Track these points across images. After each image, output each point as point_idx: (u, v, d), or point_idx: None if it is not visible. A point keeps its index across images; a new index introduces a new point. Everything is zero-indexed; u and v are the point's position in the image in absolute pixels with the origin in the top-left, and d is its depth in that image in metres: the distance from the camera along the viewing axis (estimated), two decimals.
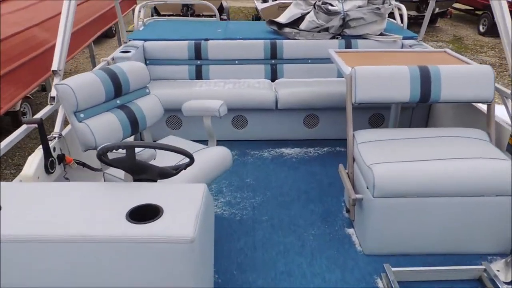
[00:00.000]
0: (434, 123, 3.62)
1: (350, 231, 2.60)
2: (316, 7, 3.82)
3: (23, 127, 2.22)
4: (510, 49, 2.53)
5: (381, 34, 3.93)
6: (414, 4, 9.64)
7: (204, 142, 2.69)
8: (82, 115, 2.17)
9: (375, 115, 3.66)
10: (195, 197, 1.53)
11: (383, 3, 3.83)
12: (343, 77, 3.94)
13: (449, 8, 10.53)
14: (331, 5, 3.84)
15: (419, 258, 2.36)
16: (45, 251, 1.34)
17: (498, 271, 2.20)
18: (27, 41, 4.41)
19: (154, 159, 1.96)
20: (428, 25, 3.92)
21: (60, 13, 4.82)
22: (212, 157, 2.38)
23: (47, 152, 2.17)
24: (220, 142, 2.65)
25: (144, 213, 1.46)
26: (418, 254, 2.38)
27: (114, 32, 9.07)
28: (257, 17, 10.12)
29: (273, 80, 3.92)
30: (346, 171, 2.64)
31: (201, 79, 3.90)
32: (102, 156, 1.69)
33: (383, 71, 2.53)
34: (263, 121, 3.66)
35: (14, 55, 4.08)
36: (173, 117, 3.64)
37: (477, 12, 10.68)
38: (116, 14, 5.35)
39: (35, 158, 2.12)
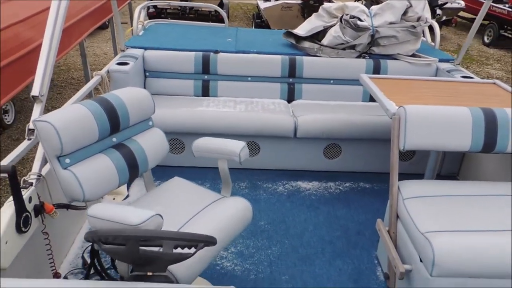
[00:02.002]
0: (471, 170, 3.16)
1: None
2: (343, 21, 3.36)
3: None
4: None
5: (413, 55, 3.49)
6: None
7: (212, 169, 2.20)
8: (67, 160, 1.69)
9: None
10: None
11: (418, 20, 3.38)
12: (369, 101, 3.49)
13: (454, 17, 10.22)
14: (360, 19, 3.38)
15: None
16: None
17: None
18: (10, 39, 3.89)
19: (161, 228, 1.49)
20: (431, 33, 3.52)
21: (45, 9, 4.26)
22: (232, 215, 1.92)
23: (20, 207, 1.68)
24: (245, 200, 2.14)
25: None
26: None
27: (107, 23, 8.49)
28: (258, 16, 9.64)
29: (289, 101, 3.46)
30: (387, 228, 2.19)
31: (208, 96, 3.42)
32: (95, 243, 1.22)
33: (440, 113, 2.08)
34: (278, 149, 3.20)
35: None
36: (175, 140, 3.15)
37: (482, 22, 10.37)
38: (109, 9, 4.79)
39: (4, 217, 1.63)
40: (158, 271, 1.31)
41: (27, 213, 1.73)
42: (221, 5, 9.19)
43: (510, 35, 9.22)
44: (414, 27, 3.33)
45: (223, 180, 2.15)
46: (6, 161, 1.81)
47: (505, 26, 9.26)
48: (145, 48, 3.37)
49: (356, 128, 3.07)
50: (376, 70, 3.38)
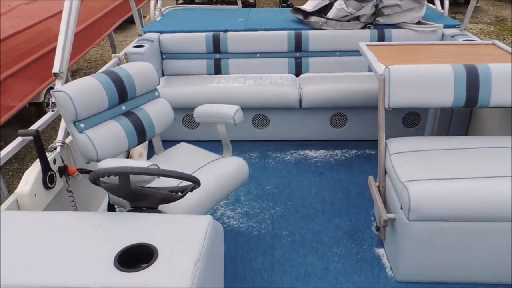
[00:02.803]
0: (478, 128, 3.23)
1: (380, 251, 2.32)
2: None
3: (18, 139, 2.04)
4: None
5: (418, 23, 3.54)
6: None
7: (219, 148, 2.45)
8: (82, 125, 1.97)
9: (410, 114, 3.32)
10: (197, 233, 1.30)
11: None
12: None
13: None
14: None
15: (460, 287, 2.06)
16: None
17: None
18: (42, 34, 4.26)
19: (158, 177, 1.73)
20: (467, 4, 3.49)
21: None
22: (227, 171, 2.14)
23: (45, 166, 1.98)
24: (239, 143, 2.38)
25: (137, 255, 1.25)
26: (457, 283, 2.08)
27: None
28: (285, 1, 9.71)
29: (297, 74, 3.62)
30: (377, 184, 2.34)
31: (220, 74, 3.64)
32: (95, 181, 1.48)
33: (423, 71, 2.19)
34: (286, 121, 3.38)
35: (28, 50, 3.94)
36: (190, 116, 3.41)
37: None
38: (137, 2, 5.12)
39: (32, 173, 1.94)
40: (150, 206, 1.55)
41: (52, 172, 2.03)
42: None
43: None
44: None
45: (223, 143, 2.37)
46: (33, 128, 2.12)
47: None
48: (161, 32, 3.63)
49: (360, 97, 3.20)
50: (381, 39, 3.47)
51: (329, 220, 2.57)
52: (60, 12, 4.28)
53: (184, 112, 3.38)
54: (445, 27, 3.50)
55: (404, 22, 3.51)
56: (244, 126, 3.40)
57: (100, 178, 1.49)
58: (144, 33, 3.68)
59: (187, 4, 8.38)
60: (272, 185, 2.93)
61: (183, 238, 1.29)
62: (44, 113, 4.80)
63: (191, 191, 1.63)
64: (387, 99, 2.22)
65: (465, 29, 3.48)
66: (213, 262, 1.36)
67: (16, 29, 3.87)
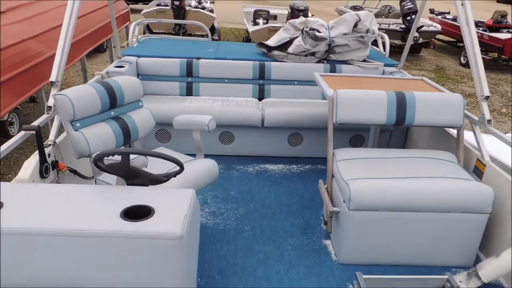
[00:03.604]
0: (411, 145, 3.84)
1: (327, 242, 2.74)
2: (304, 32, 4.05)
3: (21, 133, 2.34)
4: (478, 75, 2.77)
5: (364, 61, 4.17)
6: (399, 34, 10.08)
7: (192, 156, 2.83)
8: (78, 124, 2.30)
9: (356, 136, 3.86)
10: (184, 200, 1.67)
11: (367, 32, 4.08)
12: (326, 99, 4.15)
13: (432, 39, 11.00)
14: (318, 31, 4.07)
15: (390, 268, 2.51)
16: (44, 244, 1.45)
17: (461, 281, 2.36)
18: (22, 52, 4.54)
19: (146, 167, 2.09)
20: (412, 54, 4.14)
21: (54, 27, 4.95)
22: (200, 168, 2.52)
23: (42, 158, 2.29)
24: (207, 156, 2.79)
25: (137, 213, 1.59)
26: (389, 265, 2.53)
27: (105, 47, 9.26)
28: (247, 39, 10.41)
29: (260, 99, 4.11)
30: (326, 186, 2.80)
31: (192, 95, 4.07)
32: (98, 161, 1.82)
33: (363, 95, 2.73)
34: (249, 138, 3.82)
35: (8, 66, 4.19)
36: (163, 130, 3.78)
37: (459, 44, 11.19)
38: (109, 30, 5.47)
39: (31, 163, 2.23)
40: (142, 184, 1.90)
41: (47, 164, 2.33)
42: (212, 29, 10.00)
43: (484, 56, 9.98)
44: (362, 37, 4.02)
45: (196, 147, 2.76)
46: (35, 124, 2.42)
47: (481, 48, 10.08)
48: (139, 56, 4.04)
49: (314, 119, 3.71)
50: (333, 72, 4.05)
51: (285, 218, 2.98)
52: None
53: (158, 127, 3.75)
54: (385, 65, 4.15)
55: (352, 59, 4.12)
56: (212, 142, 3.81)
57: (105, 158, 1.83)
58: (123, 56, 4.07)
59: (149, 33, 8.88)
60: (235, 191, 3.32)
61: (174, 202, 1.66)
62: (7, 132, 4.94)
63: (174, 176, 2.00)
64: (335, 116, 2.72)
65: (401, 68, 4.15)
66: (195, 222, 1.72)
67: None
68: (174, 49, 4.32)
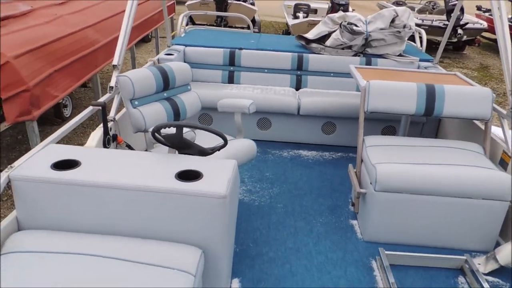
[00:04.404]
0: (442, 137, 3.96)
1: (354, 222, 2.96)
2: (342, 26, 4.23)
3: (90, 108, 2.70)
4: (508, 70, 2.88)
5: (400, 55, 4.30)
6: (442, 30, 9.95)
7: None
8: (136, 103, 2.63)
9: (388, 127, 4.02)
10: (228, 168, 1.95)
11: (404, 27, 4.21)
12: (360, 91, 4.33)
13: (477, 37, 10.76)
14: (356, 25, 4.24)
15: (412, 248, 2.70)
16: (114, 196, 1.77)
17: (479, 264, 2.52)
18: (79, 40, 4.97)
19: (194, 141, 2.39)
20: (456, 52, 4.19)
21: (107, 18, 5.36)
22: (240, 146, 2.80)
23: (106, 130, 2.63)
24: (252, 140, 3.03)
25: (189, 176, 1.88)
26: (412, 245, 2.72)
27: (150, 37, 9.73)
28: (287, 32, 10.61)
29: (297, 89, 4.34)
30: (355, 170, 3.01)
31: (233, 83, 4.35)
32: (156, 132, 2.12)
33: (394, 86, 2.91)
34: (286, 125, 4.07)
35: (69, 52, 4.63)
36: (205, 114, 4.09)
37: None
38: (154, 21, 5.83)
39: (97, 134, 2.58)
40: (191, 154, 2.19)
41: (109, 136, 2.68)
42: (253, 22, 10.26)
43: None
44: (399, 32, 4.15)
45: (237, 128, 3.04)
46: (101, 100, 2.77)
47: None
48: (186, 45, 4.36)
49: (347, 109, 3.91)
50: (368, 65, 4.21)
51: (315, 199, 3.22)
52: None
53: (201, 111, 4.06)
54: (421, 60, 4.26)
55: (388, 54, 4.27)
56: (251, 127, 4.08)
57: (161, 130, 2.14)
58: (172, 45, 4.40)
59: (192, 24, 9.25)
60: (270, 172, 3.58)
61: (219, 169, 1.93)
62: (61, 113, 5.38)
63: (219, 150, 2.29)
64: (366, 105, 2.92)
65: (437, 63, 4.25)
66: (236, 188, 2.00)
67: (61, 35, 4.58)
68: (219, 40, 4.61)
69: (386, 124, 4.02)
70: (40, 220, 1.83)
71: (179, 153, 2.20)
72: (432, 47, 10.05)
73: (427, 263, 2.52)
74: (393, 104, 2.89)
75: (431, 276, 2.49)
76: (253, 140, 4.11)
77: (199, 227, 1.79)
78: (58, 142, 2.25)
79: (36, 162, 1.87)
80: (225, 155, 2.65)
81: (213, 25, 9.63)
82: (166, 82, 2.78)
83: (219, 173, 1.89)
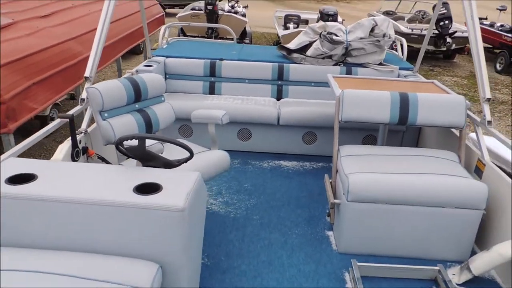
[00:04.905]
0: (422, 146, 3.94)
1: (330, 233, 2.91)
2: (322, 36, 4.23)
3: (57, 120, 2.66)
4: (481, 75, 2.87)
5: (380, 64, 4.30)
6: (432, 39, 9.99)
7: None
8: (106, 114, 2.60)
9: (368, 136, 4.00)
10: (189, 180, 1.91)
11: (383, 36, 4.21)
12: None
13: (466, 45, 10.82)
14: (336, 35, 4.25)
15: (387, 259, 2.65)
16: (67, 210, 1.72)
17: (454, 274, 2.48)
18: (63, 52, 4.96)
19: (162, 153, 2.35)
20: (445, 60, 4.19)
21: (91, 30, 5.36)
22: (212, 158, 2.76)
23: (74, 143, 2.59)
24: (225, 151, 2.99)
25: (148, 189, 1.84)
26: (387, 256, 2.67)
27: (141, 49, 9.74)
28: (278, 43, 10.63)
29: (278, 99, 4.32)
30: (330, 180, 2.98)
31: (214, 94, 4.33)
32: (119, 144, 2.09)
33: (368, 95, 2.89)
34: (266, 135, 4.04)
35: (50, 64, 4.61)
36: (185, 126, 4.06)
37: (495, 50, 10.95)
38: (142, 34, 5.83)
39: (65, 147, 2.54)
40: (156, 166, 2.15)
41: (78, 149, 2.64)
42: (244, 33, 10.30)
43: None
44: (378, 41, 4.15)
45: (211, 140, 3.01)
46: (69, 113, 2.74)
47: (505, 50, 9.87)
48: (167, 56, 4.35)
49: (328, 119, 3.88)
50: (348, 75, 4.20)
51: (293, 210, 3.17)
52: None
53: (181, 123, 4.03)
54: (401, 68, 4.26)
55: (368, 63, 4.26)
56: (231, 138, 4.05)
57: (124, 142, 2.10)
58: (153, 56, 4.39)
59: (183, 36, 9.27)
60: (249, 183, 3.54)
61: (180, 182, 1.89)
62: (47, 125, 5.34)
63: (185, 162, 2.25)
64: (341, 114, 2.89)
65: (416, 71, 4.25)
66: (199, 200, 1.95)
67: (41, 47, 4.56)
68: (200, 51, 4.60)
69: (367, 133, 4.00)
70: None
71: (144, 165, 2.17)
72: (425, 55, 10.09)
73: (400, 275, 2.48)
74: (367, 113, 2.87)
75: (405, 287, 2.44)
76: (233, 151, 4.08)
77: (157, 241, 1.75)
78: (26, 155, 2.20)
79: None
80: (195, 167, 2.61)
81: (204, 37, 9.66)
82: (137, 94, 2.76)
83: (180, 185, 1.85)
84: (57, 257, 1.69)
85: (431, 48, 10.00)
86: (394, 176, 2.54)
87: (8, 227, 1.76)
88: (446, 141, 3.43)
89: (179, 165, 2.22)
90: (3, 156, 2.11)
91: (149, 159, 2.13)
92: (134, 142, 2.17)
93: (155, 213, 1.70)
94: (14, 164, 1.94)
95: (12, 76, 3.93)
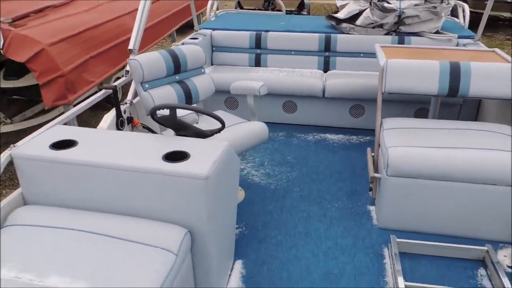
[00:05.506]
0: (482, 120, 3.66)
1: (371, 208, 2.84)
2: (372, 4, 4.02)
3: (102, 91, 2.79)
4: None
5: (437, 32, 4.02)
6: (509, 5, 9.10)
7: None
8: (147, 85, 2.68)
9: (421, 109, 3.79)
10: (217, 149, 1.93)
11: (441, 2, 3.91)
12: None
13: None
14: (388, 2, 4.01)
15: (429, 237, 2.54)
16: (102, 175, 1.83)
17: (505, 256, 2.33)
18: (118, 27, 5.15)
19: (197, 123, 2.39)
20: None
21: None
22: (249, 129, 2.77)
23: (118, 113, 2.72)
24: (270, 124, 3.00)
25: (177, 157, 1.90)
26: (429, 233, 2.56)
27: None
28: (336, 13, 10.25)
29: (325, 71, 4.20)
30: (373, 154, 2.88)
31: (260, 66, 4.31)
32: (153, 114, 2.16)
33: (414, 64, 2.72)
34: (311, 108, 3.97)
35: (106, 39, 4.81)
36: (231, 98, 4.09)
37: None
38: (198, 7, 5.89)
39: (109, 116, 2.67)
40: (188, 136, 2.20)
41: (122, 119, 2.76)
42: (302, 4, 10.04)
43: None
44: (435, 7, 3.87)
45: (250, 111, 3.01)
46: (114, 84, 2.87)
47: None
48: (213, 29, 4.37)
49: (377, 91, 3.72)
50: (400, 44, 3.97)
51: (334, 184, 3.13)
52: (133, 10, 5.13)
53: (227, 95, 4.07)
54: (461, 37, 3.95)
55: (423, 31, 4.00)
56: (276, 111, 4.03)
57: (157, 111, 2.17)
58: (200, 29, 4.43)
59: (240, 9, 9.22)
60: (292, 156, 3.52)
61: (208, 150, 1.92)
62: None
63: (217, 132, 2.27)
64: (384, 85, 2.76)
65: (478, 40, 3.92)
66: (228, 168, 1.98)
67: (98, 22, 4.77)
68: (247, 23, 4.57)
69: (420, 106, 3.79)
70: (40, 196, 1.94)
71: (177, 134, 2.22)
72: (498, 23, 9.27)
73: (443, 253, 2.37)
74: (413, 84, 2.71)
75: (447, 266, 2.34)
76: (278, 123, 4.06)
77: (184, 207, 1.81)
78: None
79: (38, 142, 1.97)
80: (230, 137, 2.64)
81: (261, 9, 9.55)
82: (177, 65, 2.81)
83: (207, 155, 1.88)
84: (93, 218, 1.81)
85: (508, 14, 9.13)
86: (438, 151, 2.40)
87: (50, 189, 1.91)
88: (507, 116, 3.16)
89: (211, 135, 2.25)
90: (50, 123, 2.26)
91: (181, 129, 2.18)
92: (162, 112, 2.23)
93: (181, 180, 1.75)
94: (59, 131, 2.08)
95: (71, 50, 4.16)
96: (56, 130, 2.10)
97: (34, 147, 1.92)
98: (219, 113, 3.12)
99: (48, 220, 1.79)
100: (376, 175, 2.64)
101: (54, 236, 1.70)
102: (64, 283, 1.48)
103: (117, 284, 1.48)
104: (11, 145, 1.95)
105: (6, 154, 1.91)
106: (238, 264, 2.37)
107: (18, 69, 4.33)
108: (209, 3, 4.80)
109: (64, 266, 1.55)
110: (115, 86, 2.72)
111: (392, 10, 3.96)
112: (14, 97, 4.83)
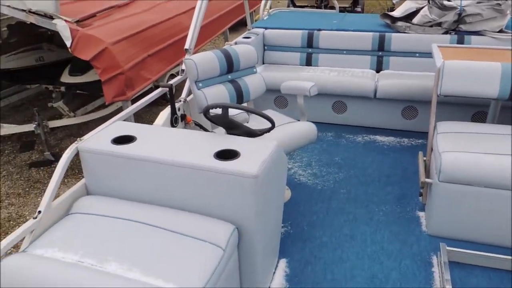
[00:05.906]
0: None
1: (421, 213, 2.77)
2: (430, 1, 3.88)
3: (159, 89, 2.92)
4: None
5: (500, 31, 3.80)
6: None
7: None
8: (200, 84, 2.78)
9: (479, 112, 3.62)
10: (266, 149, 1.98)
11: None
12: None
13: None
14: (448, 0, 3.85)
15: (482, 247, 2.44)
16: (155, 169, 1.93)
17: None
18: (174, 26, 5.33)
19: (247, 122, 2.45)
20: None
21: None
22: (298, 129, 2.79)
23: (173, 110, 2.83)
24: (319, 124, 2.99)
25: (227, 155, 1.96)
26: (481, 243, 2.46)
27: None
28: (391, 10, 9.96)
29: (378, 71, 4.12)
30: (425, 158, 2.80)
31: (311, 65, 4.30)
32: (205, 112, 2.23)
33: (473, 66, 2.61)
34: (362, 108, 3.91)
35: (163, 37, 5.00)
36: (280, 97, 4.12)
37: None
38: (251, 5, 5.98)
39: (165, 113, 2.80)
40: (239, 135, 2.26)
41: (176, 116, 2.88)
42: (356, 1, 9.85)
43: None
44: (499, 4, 3.66)
45: (300, 111, 3.02)
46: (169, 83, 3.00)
47: None
48: (266, 28, 4.41)
49: (431, 93, 3.60)
50: (459, 44, 3.81)
51: (382, 187, 3.07)
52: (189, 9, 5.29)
53: (277, 94, 4.10)
54: None
55: (485, 30, 3.80)
56: (326, 110, 4.01)
57: (210, 110, 2.24)
58: (253, 28, 4.49)
59: (293, 7, 9.20)
60: (340, 157, 3.50)
61: (257, 150, 1.97)
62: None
63: (267, 132, 2.32)
64: (440, 87, 2.67)
65: None
66: (276, 168, 2.01)
67: (155, 22, 4.96)
68: (300, 21, 4.57)
69: (478, 109, 3.62)
70: (101, 187, 2.08)
71: (228, 133, 2.29)
72: None
73: (496, 264, 2.27)
74: (471, 87, 2.60)
75: (500, 279, 2.24)
76: (327, 123, 4.03)
77: (233, 205, 1.87)
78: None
79: (101, 136, 2.12)
80: (279, 137, 2.67)
81: (314, 6, 9.49)
82: (230, 65, 2.88)
83: (257, 154, 1.93)
84: (148, 210, 1.92)
85: None
86: (494, 158, 2.30)
87: (111, 181, 2.04)
88: None
89: (261, 134, 2.30)
90: (111, 119, 2.41)
91: (232, 127, 2.24)
92: (215, 111, 2.30)
93: (231, 178, 1.81)
94: (120, 127, 2.22)
95: (130, 49, 4.38)
96: (117, 125, 2.24)
97: (97, 141, 2.06)
98: (269, 112, 3.16)
99: (108, 210, 1.92)
100: (428, 180, 2.56)
101: (113, 225, 1.83)
102: (122, 270, 1.59)
103: (168, 275, 1.57)
104: (78, 139, 2.11)
105: (73, 147, 2.07)
106: (283, 263, 2.41)
107: (82, 66, 4.62)
108: (262, 2, 4.85)
109: (122, 254, 1.66)
110: (171, 84, 2.84)
111: (452, 8, 3.80)
112: (77, 92, 5.16)
